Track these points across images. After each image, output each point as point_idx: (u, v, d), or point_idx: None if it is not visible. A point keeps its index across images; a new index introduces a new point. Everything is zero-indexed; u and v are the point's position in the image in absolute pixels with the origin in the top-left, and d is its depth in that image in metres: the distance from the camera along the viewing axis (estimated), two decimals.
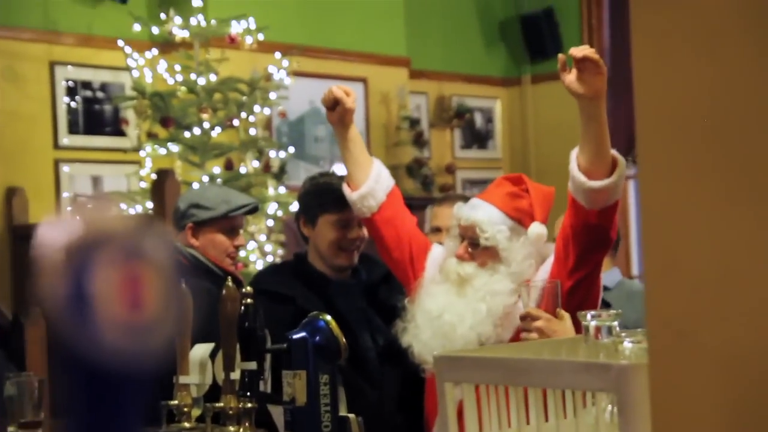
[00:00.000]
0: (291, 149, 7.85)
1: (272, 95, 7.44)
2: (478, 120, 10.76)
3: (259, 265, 6.84)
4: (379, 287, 3.88)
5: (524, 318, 3.17)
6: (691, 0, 1.20)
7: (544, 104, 10.49)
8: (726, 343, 1.16)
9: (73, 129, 7.84)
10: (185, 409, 3.28)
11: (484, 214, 3.42)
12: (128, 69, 7.32)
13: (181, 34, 7.32)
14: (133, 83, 7.28)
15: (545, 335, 3.11)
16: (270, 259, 7.04)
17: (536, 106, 10.71)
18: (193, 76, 7.19)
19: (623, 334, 1.98)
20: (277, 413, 3.16)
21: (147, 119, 7.18)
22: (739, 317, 1.16)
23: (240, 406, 3.14)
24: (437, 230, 4.51)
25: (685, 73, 1.20)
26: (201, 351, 3.27)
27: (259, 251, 7.06)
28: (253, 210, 4.40)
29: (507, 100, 10.90)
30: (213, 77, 7.21)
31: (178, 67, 7.26)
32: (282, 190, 7.38)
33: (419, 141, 9.67)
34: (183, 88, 7.21)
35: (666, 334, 1.21)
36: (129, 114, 7.60)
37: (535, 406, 1.99)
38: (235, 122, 7.23)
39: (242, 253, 6.86)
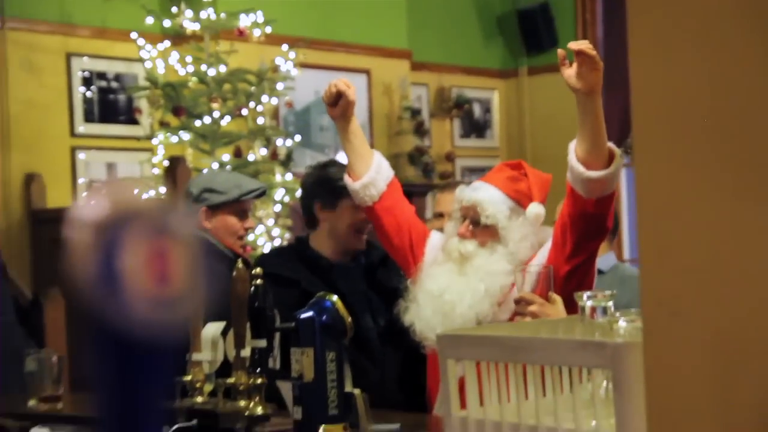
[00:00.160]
0: (297, 138, 7.85)
1: (279, 86, 7.44)
2: (477, 110, 10.75)
3: (267, 249, 6.85)
4: (377, 270, 3.91)
5: (518, 302, 3.20)
6: None
7: (540, 95, 10.48)
8: (717, 323, 1.17)
9: (88, 118, 7.84)
10: (198, 385, 3.29)
11: (485, 194, 3.46)
12: (141, 60, 7.31)
13: (191, 26, 7.32)
14: (146, 74, 7.28)
15: (538, 318, 3.14)
16: (277, 242, 7.05)
17: (532, 97, 10.70)
18: (203, 67, 7.19)
19: (618, 314, 1.99)
20: (285, 389, 3.17)
21: (159, 108, 7.18)
22: (729, 298, 1.16)
23: (250, 381, 3.15)
24: (440, 216, 4.52)
25: (680, 65, 1.20)
26: (213, 329, 3.27)
27: (266, 235, 7.07)
28: (262, 194, 4.44)
29: (504, 92, 10.89)
30: (223, 68, 7.21)
31: (189, 59, 7.26)
32: (289, 176, 7.38)
33: (420, 130, 9.67)
34: (194, 79, 7.21)
35: (660, 313, 1.22)
36: (142, 103, 7.60)
37: (534, 383, 2.00)
38: (244, 112, 7.23)
39: (251, 237, 6.87)
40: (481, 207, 3.44)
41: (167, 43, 7.41)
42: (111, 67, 7.97)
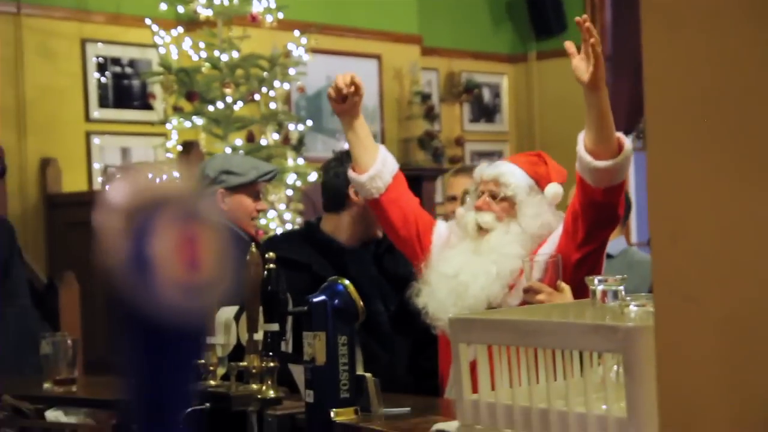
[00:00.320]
0: (309, 122, 7.84)
1: (291, 71, 7.44)
2: (486, 95, 10.73)
3: (278, 233, 6.85)
4: (383, 257, 3.91)
5: (527, 291, 3.20)
6: None
7: (549, 80, 10.45)
8: (729, 307, 1.16)
9: (103, 103, 7.84)
10: (211, 368, 3.29)
11: (507, 168, 3.50)
12: (155, 46, 7.31)
13: (205, 12, 7.30)
14: (160, 59, 7.28)
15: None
16: (289, 226, 7.05)
17: (541, 82, 10.68)
18: (216, 53, 7.18)
19: (629, 298, 1.97)
20: (297, 372, 3.16)
21: (173, 94, 7.18)
22: (741, 282, 1.15)
23: (263, 365, 3.14)
24: (453, 199, 4.51)
25: (693, 51, 1.19)
26: (226, 313, 3.27)
27: (278, 219, 7.07)
28: (274, 176, 4.49)
29: (513, 76, 10.87)
30: (235, 54, 7.20)
31: (202, 45, 7.25)
32: (300, 161, 7.38)
33: (430, 115, 9.66)
34: (207, 65, 7.21)
35: (672, 298, 1.21)
36: (156, 89, 7.59)
37: (545, 366, 1.98)
38: (256, 97, 7.22)
39: (263, 221, 6.87)
40: (503, 178, 3.46)
41: (181, 29, 7.40)
42: (125, 53, 7.97)
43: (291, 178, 7.18)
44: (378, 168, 3.61)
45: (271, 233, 6.82)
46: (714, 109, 1.17)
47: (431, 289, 3.48)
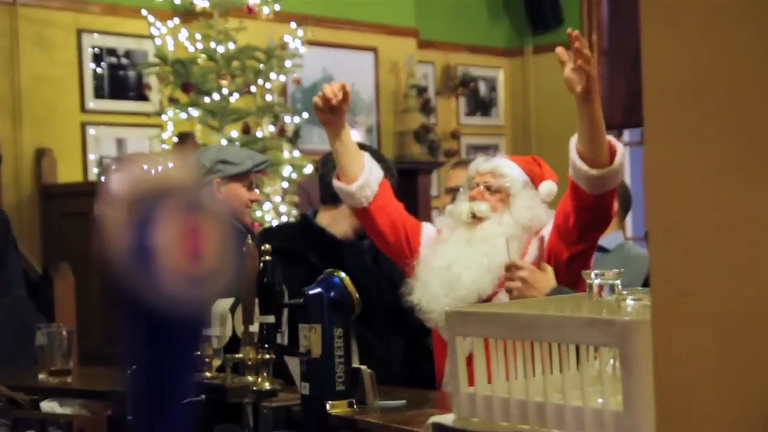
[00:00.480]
0: (305, 115, 7.83)
1: (287, 63, 7.43)
2: (482, 88, 10.73)
3: (275, 225, 6.86)
4: (379, 252, 3.91)
5: (509, 268, 3.20)
6: None
7: (545, 74, 10.45)
8: (726, 302, 1.16)
9: (98, 93, 7.84)
10: (207, 360, 3.29)
11: (503, 161, 3.54)
12: (151, 37, 7.30)
13: (201, 3, 7.29)
14: (156, 51, 7.27)
15: (528, 285, 3.14)
16: (285, 219, 7.05)
17: (537, 76, 10.68)
18: (212, 45, 7.17)
19: (625, 292, 1.98)
20: (293, 364, 3.17)
21: (169, 85, 7.17)
22: (738, 276, 1.16)
23: (258, 357, 3.14)
24: (452, 191, 4.52)
25: (692, 46, 1.19)
26: (222, 305, 3.27)
27: (274, 211, 7.07)
28: (269, 165, 4.53)
29: (509, 70, 10.87)
30: (231, 45, 7.19)
31: (198, 36, 7.24)
32: (296, 153, 7.38)
33: (426, 108, 9.66)
34: (203, 56, 7.20)
35: (669, 292, 1.21)
36: (152, 80, 7.59)
37: (541, 360, 1.99)
38: (252, 89, 7.22)
39: (258, 213, 6.87)
40: (500, 170, 3.49)
41: (177, 20, 7.39)
42: (121, 44, 7.96)
43: (287, 171, 7.18)
44: (366, 176, 3.57)
45: (267, 225, 6.82)
46: (712, 105, 1.18)
47: (424, 283, 3.49)
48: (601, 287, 2.01)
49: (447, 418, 2.09)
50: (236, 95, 7.18)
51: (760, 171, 1.14)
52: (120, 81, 7.94)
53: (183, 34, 7.23)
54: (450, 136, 10.20)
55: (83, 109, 7.76)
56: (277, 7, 7.47)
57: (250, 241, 3.13)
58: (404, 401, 3.03)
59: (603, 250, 4.58)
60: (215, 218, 1.07)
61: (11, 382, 3.69)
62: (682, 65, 1.20)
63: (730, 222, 1.16)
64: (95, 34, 7.82)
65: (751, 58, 1.15)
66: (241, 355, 3.18)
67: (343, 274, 3.05)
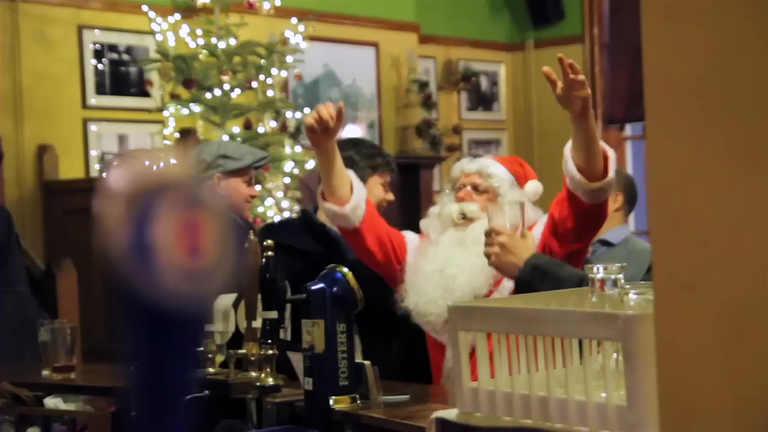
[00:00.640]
0: (306, 110, 7.81)
1: (289, 58, 7.42)
2: (484, 83, 10.72)
3: (276, 220, 6.86)
4: None
5: (488, 234, 3.19)
6: None
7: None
8: (729, 296, 1.16)
9: (100, 90, 7.83)
10: (210, 356, 3.30)
11: (489, 161, 3.57)
12: (152, 33, 7.29)
13: None
14: (157, 46, 7.26)
15: (507, 250, 3.13)
16: (287, 214, 7.05)
17: (539, 70, 10.58)
18: (213, 40, 7.17)
19: (628, 286, 1.98)
20: (296, 360, 3.17)
21: (170, 81, 7.17)
22: (741, 270, 1.16)
23: (261, 352, 3.15)
24: None
25: (693, 40, 1.19)
26: (224, 301, 3.28)
27: (276, 207, 7.07)
28: (269, 161, 4.56)
29: (511, 65, 10.86)
30: (233, 41, 7.19)
31: (199, 32, 7.24)
32: (298, 149, 7.38)
33: (428, 103, 9.65)
34: (204, 52, 7.20)
35: (672, 285, 1.21)
36: (153, 76, 7.58)
37: (544, 354, 1.99)
38: (254, 84, 7.21)
39: (260, 209, 6.88)
40: (486, 170, 3.51)
41: (178, 16, 7.39)
42: (122, 40, 7.96)
43: (288, 166, 7.18)
44: (357, 197, 3.54)
45: (269, 221, 6.83)
46: (714, 99, 1.18)
47: (418, 287, 3.50)
48: (603, 281, 2.01)
49: (450, 413, 2.09)
50: (237, 91, 7.18)
51: (763, 164, 1.14)
52: (121, 77, 7.94)
53: (184, 30, 7.23)
54: (452, 131, 10.19)
55: (85, 105, 7.76)
56: (277, 3, 7.47)
57: (252, 237, 3.14)
58: (407, 396, 3.03)
59: (608, 244, 4.58)
60: (215, 214, 1.07)
61: (15, 379, 3.70)
62: (683, 59, 1.20)
63: (732, 216, 1.16)
64: (96, 31, 7.82)
65: (753, 52, 1.15)
66: (244, 351, 3.19)
67: (345, 270, 3.06)
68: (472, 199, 3.51)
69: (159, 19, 7.20)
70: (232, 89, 7.12)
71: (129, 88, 7.95)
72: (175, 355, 1.11)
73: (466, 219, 3.50)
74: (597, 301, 2.00)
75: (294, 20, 7.52)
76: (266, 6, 7.41)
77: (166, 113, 7.16)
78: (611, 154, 3.19)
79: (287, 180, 7.20)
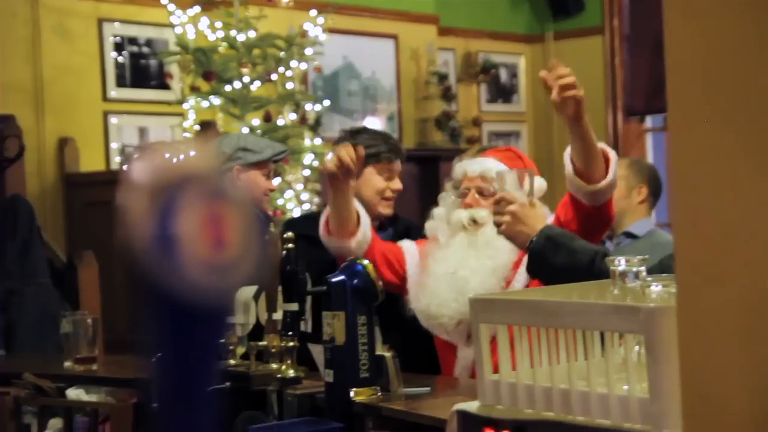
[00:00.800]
0: (326, 102, 7.84)
1: (308, 51, 7.43)
2: (503, 75, 10.70)
3: (296, 213, 6.87)
4: (402, 238, 3.91)
5: (498, 202, 3.15)
6: None
7: (566, 60, 10.28)
8: (751, 289, 1.16)
9: (120, 82, 7.86)
10: (231, 348, 3.31)
11: (491, 163, 3.51)
12: (172, 26, 7.31)
13: None
14: (177, 39, 7.28)
15: (518, 219, 3.09)
16: (306, 206, 7.06)
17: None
18: (233, 33, 7.18)
19: (650, 279, 1.98)
20: (317, 351, 3.18)
21: (190, 73, 7.18)
22: (763, 262, 1.15)
23: (282, 344, 3.16)
24: None
25: (715, 35, 1.19)
26: (245, 293, 3.28)
27: (296, 199, 7.08)
28: (288, 155, 4.58)
29: (530, 56, 10.84)
30: (252, 34, 7.19)
31: (219, 24, 7.24)
32: (318, 141, 7.39)
33: (447, 95, 9.64)
34: (224, 44, 7.20)
35: (694, 278, 1.21)
36: (173, 68, 7.59)
37: (566, 347, 1.99)
38: (273, 76, 7.22)
39: (280, 201, 6.89)
40: (489, 174, 3.50)
41: (197, 9, 7.39)
42: (142, 33, 7.98)
43: (308, 158, 7.18)
44: (364, 228, 3.57)
45: (289, 213, 6.84)
46: (735, 91, 1.18)
47: (431, 289, 3.50)
48: (625, 273, 2.01)
49: (471, 406, 2.09)
50: (257, 83, 7.18)
51: None
52: (141, 70, 7.96)
53: (203, 23, 7.24)
54: (471, 123, 10.18)
55: (105, 98, 7.78)
56: None
57: (273, 229, 3.15)
58: (428, 388, 3.03)
59: (632, 236, 4.57)
60: (238, 206, 1.07)
61: (37, 370, 3.72)
62: (705, 51, 1.20)
63: (755, 208, 1.16)
64: (116, 23, 7.84)
65: None
66: (265, 343, 3.20)
67: (366, 262, 3.06)
68: (480, 205, 3.50)
69: (178, 12, 7.21)
70: (251, 82, 7.12)
71: (149, 81, 7.98)
72: (198, 348, 1.11)
73: (476, 223, 3.51)
74: (619, 294, 2.00)
75: (313, 12, 7.53)
76: None
77: (186, 106, 7.18)
78: (612, 155, 3.18)
79: (307, 172, 7.21)
